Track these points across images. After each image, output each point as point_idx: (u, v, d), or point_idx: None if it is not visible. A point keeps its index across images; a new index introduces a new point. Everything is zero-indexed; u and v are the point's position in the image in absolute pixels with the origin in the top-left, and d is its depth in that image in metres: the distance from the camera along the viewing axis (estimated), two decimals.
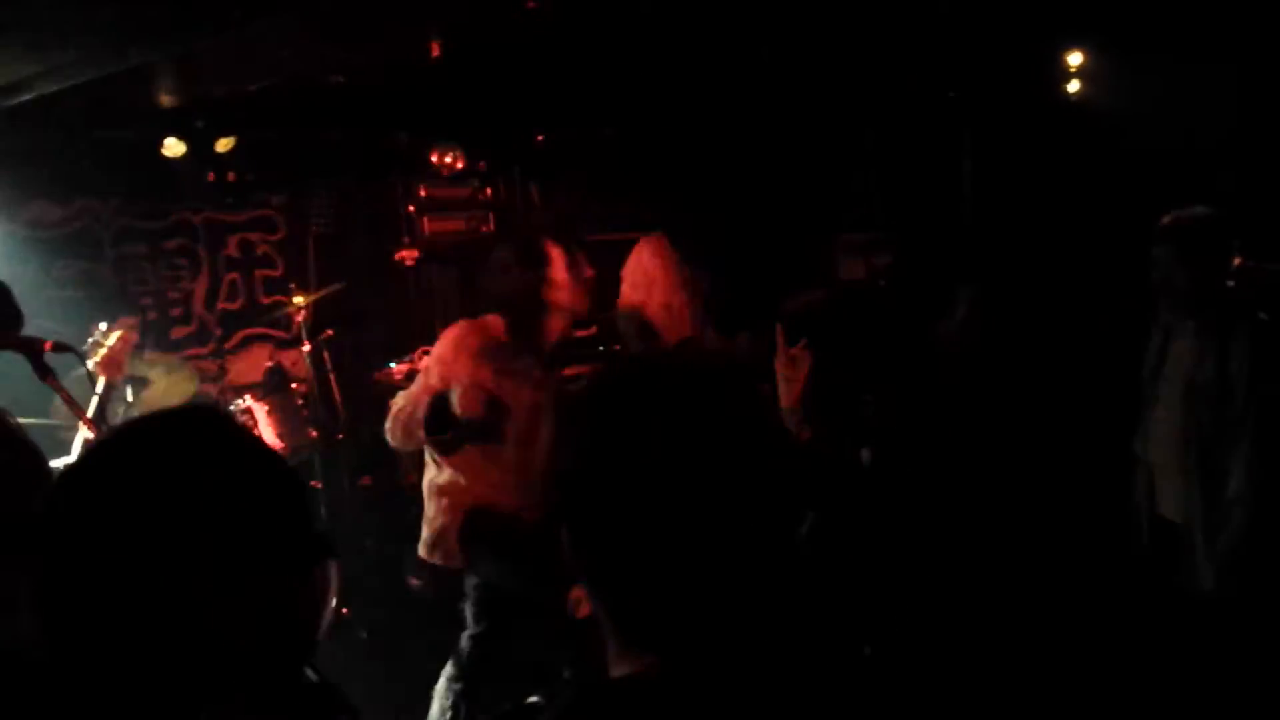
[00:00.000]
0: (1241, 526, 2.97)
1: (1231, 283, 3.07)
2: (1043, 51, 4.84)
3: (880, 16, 4.38)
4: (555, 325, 3.53)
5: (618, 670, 1.18)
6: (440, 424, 3.38)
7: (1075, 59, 4.91)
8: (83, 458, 1.09)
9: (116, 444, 1.12)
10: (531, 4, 3.43)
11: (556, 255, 3.48)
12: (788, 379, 1.99)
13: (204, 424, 1.15)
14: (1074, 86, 4.99)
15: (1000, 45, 4.73)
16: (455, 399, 3.40)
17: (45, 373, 2.62)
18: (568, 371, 4.53)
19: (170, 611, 0.99)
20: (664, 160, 6.42)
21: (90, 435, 3.08)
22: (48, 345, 2.64)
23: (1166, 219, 3.12)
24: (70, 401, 2.73)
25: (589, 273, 3.66)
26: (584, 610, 3.14)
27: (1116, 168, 4.84)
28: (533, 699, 3.53)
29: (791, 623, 1.38)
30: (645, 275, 5.26)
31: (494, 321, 3.52)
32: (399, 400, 3.56)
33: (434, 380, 3.46)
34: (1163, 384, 3.24)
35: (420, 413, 3.38)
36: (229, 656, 1.00)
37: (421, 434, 3.41)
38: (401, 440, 3.53)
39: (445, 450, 3.52)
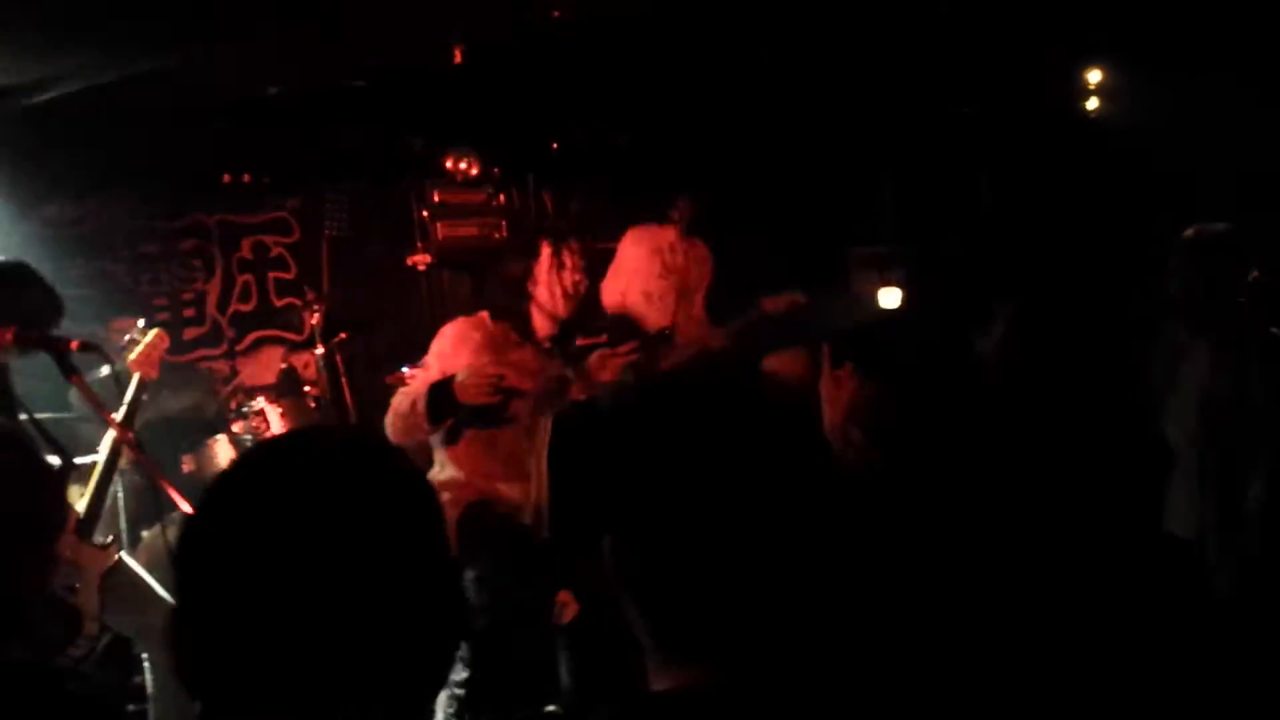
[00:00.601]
0: (1260, 538, 2.99)
1: (1245, 298, 3.10)
2: (1061, 68, 4.85)
3: (899, 30, 4.40)
4: (538, 323, 3.57)
5: (659, 684, 1.18)
6: (441, 413, 3.39)
7: (1094, 76, 4.91)
8: (230, 476, 1.05)
9: (270, 462, 1.08)
10: (556, 12, 3.44)
11: (543, 254, 3.54)
12: (831, 400, 1.97)
13: (356, 445, 1.11)
14: (1093, 103, 5.00)
15: (1019, 61, 4.74)
16: (456, 387, 3.40)
17: (70, 371, 2.63)
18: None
19: (329, 631, 0.96)
20: (678, 168, 6.42)
21: (114, 434, 3.10)
22: (74, 344, 2.65)
23: (1187, 233, 3.15)
24: (94, 401, 2.74)
25: (576, 277, 3.64)
26: (569, 614, 3.13)
27: (1134, 184, 4.85)
28: (550, 708, 3.53)
29: (835, 634, 1.38)
30: (626, 264, 5.30)
31: (483, 317, 3.62)
32: (399, 397, 3.58)
33: (434, 376, 3.48)
34: (1174, 397, 3.26)
35: (421, 404, 3.39)
36: (377, 677, 0.98)
37: (425, 425, 3.41)
38: (402, 435, 3.52)
39: (447, 440, 3.52)
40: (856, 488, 1.78)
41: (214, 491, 1.04)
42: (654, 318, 5.15)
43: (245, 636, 0.95)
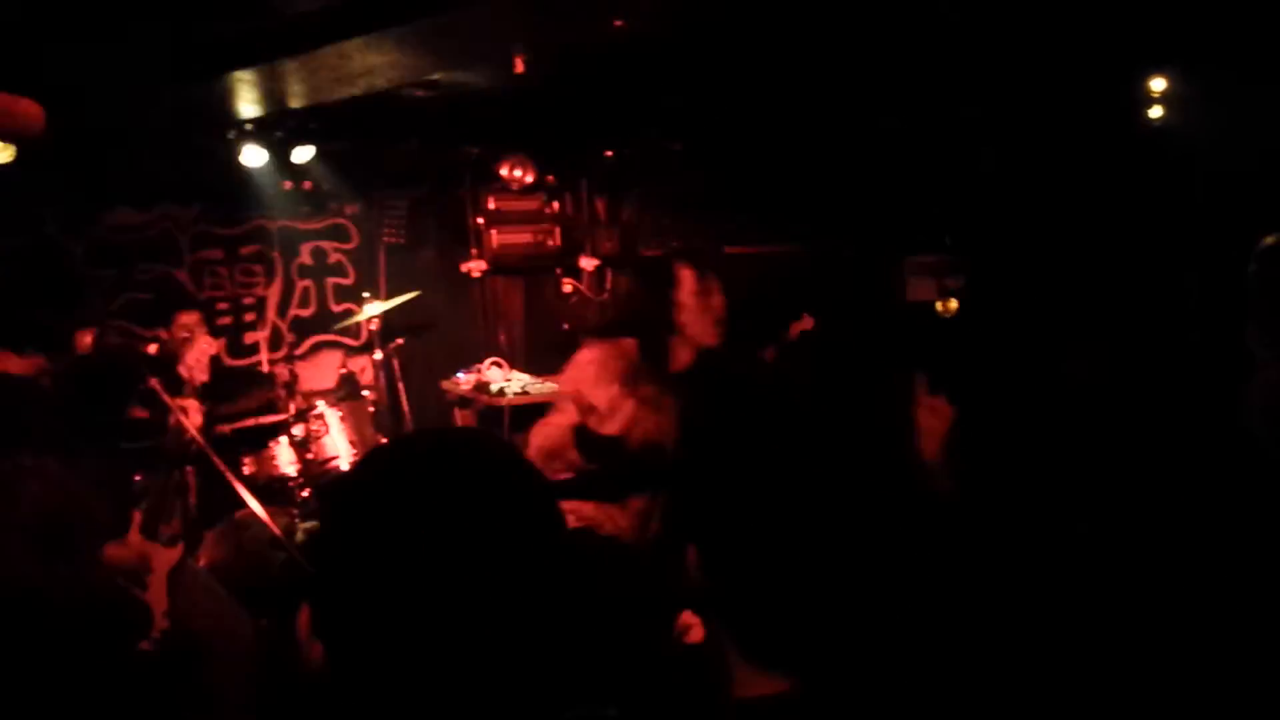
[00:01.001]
0: None
1: None
2: (1125, 76, 4.79)
3: (958, 37, 4.37)
4: (680, 353, 3.26)
5: (747, 691, 1.19)
6: (590, 455, 3.23)
7: (1158, 84, 4.85)
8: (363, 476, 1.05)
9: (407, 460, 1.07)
10: (619, 22, 3.46)
11: (686, 277, 3.24)
12: (928, 430, 1.91)
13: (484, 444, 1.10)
14: (1156, 111, 4.93)
15: (1081, 69, 4.69)
16: (601, 425, 3.23)
17: (149, 374, 2.69)
18: None
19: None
20: (731, 176, 6.44)
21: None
22: (152, 349, 2.72)
23: (1269, 240, 3.08)
24: (170, 403, 2.80)
25: (718, 300, 3.32)
26: (695, 636, 3.07)
27: (1200, 192, 4.77)
28: (611, 713, 3.53)
29: (919, 648, 1.38)
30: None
31: (629, 344, 3.31)
32: (544, 433, 3.37)
33: (575, 407, 3.29)
34: (1256, 406, 3.19)
35: (571, 452, 3.23)
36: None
37: (571, 464, 3.25)
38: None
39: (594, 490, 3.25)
40: (944, 511, 1.77)
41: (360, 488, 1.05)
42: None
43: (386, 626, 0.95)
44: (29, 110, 1.93)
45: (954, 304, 5.84)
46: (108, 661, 1.69)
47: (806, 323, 4.43)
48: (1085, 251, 5.08)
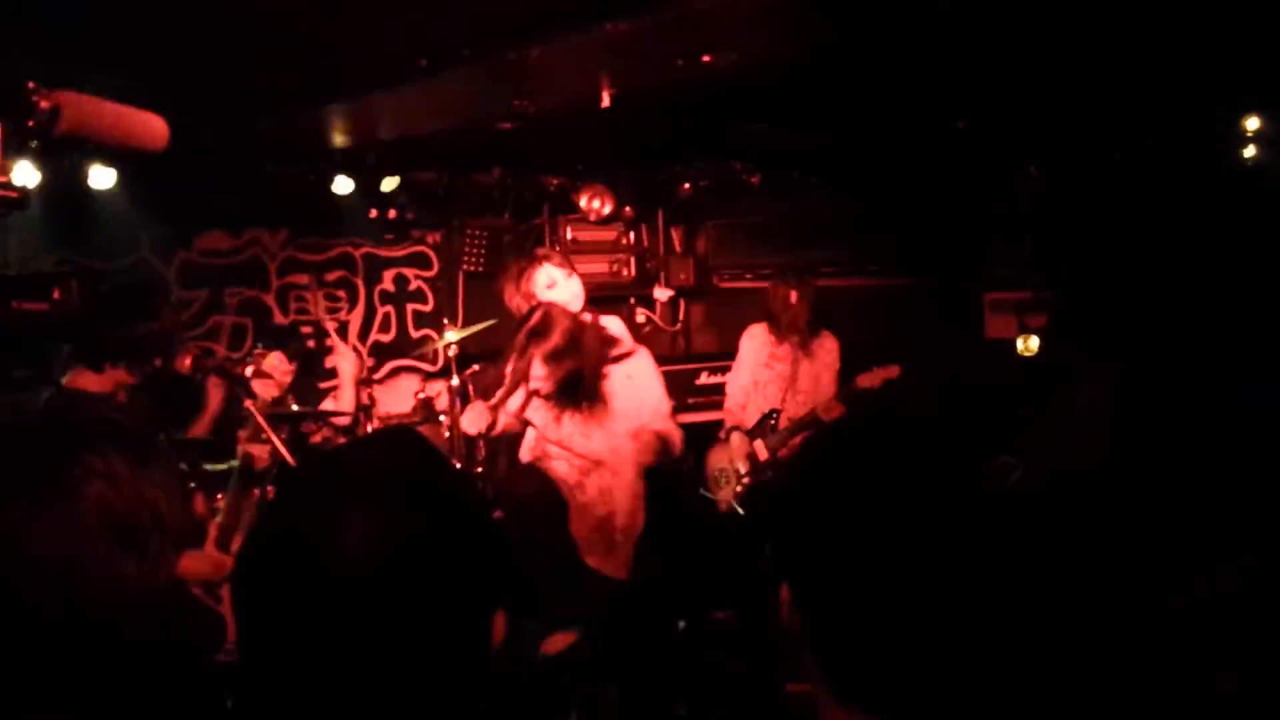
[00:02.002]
0: None
1: None
2: (1218, 115, 4.70)
3: (1047, 72, 4.33)
4: None
5: None
6: None
7: (1252, 124, 4.74)
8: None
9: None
10: (708, 58, 3.49)
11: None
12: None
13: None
14: (1250, 151, 4.82)
15: (1173, 107, 4.61)
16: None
17: (245, 395, 2.77)
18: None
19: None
20: (808, 209, 6.42)
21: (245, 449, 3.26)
22: (248, 371, 2.80)
23: None
24: (264, 425, 2.88)
25: None
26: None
27: None
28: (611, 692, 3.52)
29: (1013, 687, 1.36)
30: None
31: None
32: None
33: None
34: None
35: None
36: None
37: None
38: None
39: None
40: (1037, 544, 1.74)
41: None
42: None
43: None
44: (154, 125, 2.01)
45: (1035, 342, 5.75)
46: (176, 666, 1.72)
47: (891, 371, 4.39)
48: (1177, 289, 4.97)
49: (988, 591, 1.28)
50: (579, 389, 3.65)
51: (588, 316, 3.83)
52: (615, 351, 3.74)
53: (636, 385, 3.79)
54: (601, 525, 3.64)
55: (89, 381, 3.13)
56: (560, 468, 3.76)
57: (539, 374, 3.62)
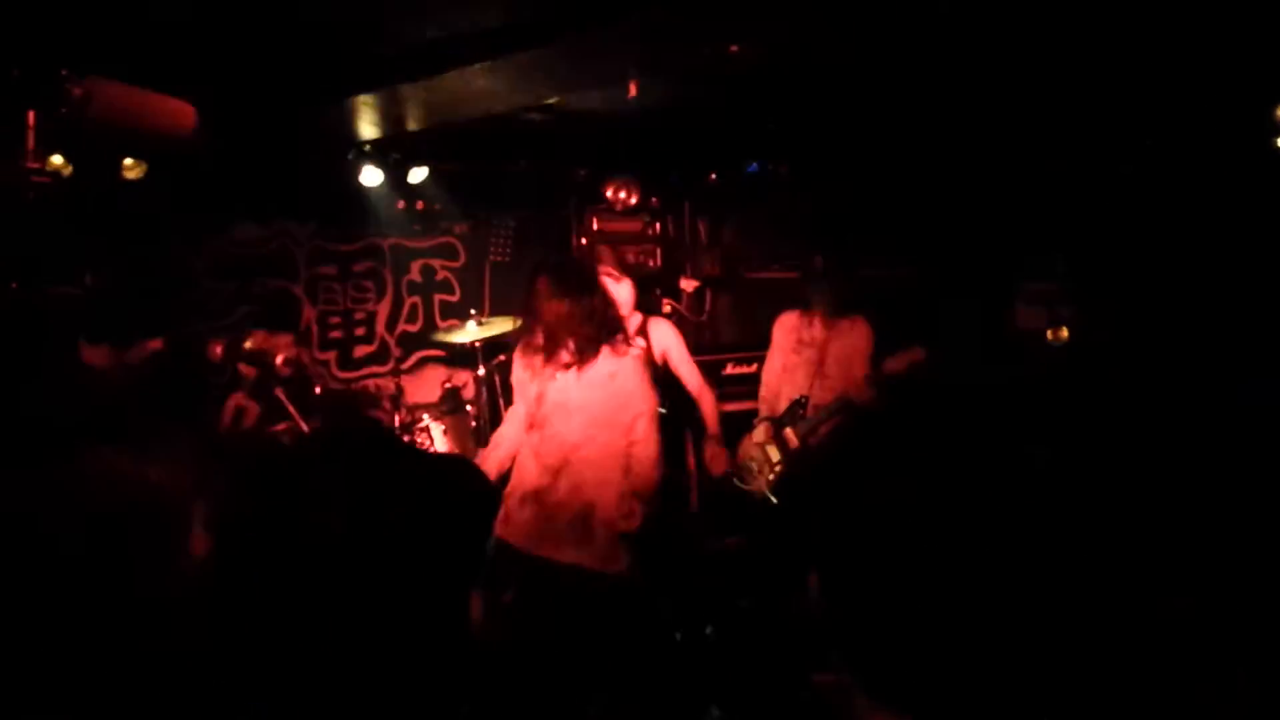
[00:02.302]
0: None
1: None
2: (1250, 103, 4.63)
3: (1077, 60, 4.28)
4: None
5: None
6: None
7: None
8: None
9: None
10: (734, 48, 3.48)
11: None
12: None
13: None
14: None
15: (1204, 95, 4.55)
16: None
17: (277, 384, 2.79)
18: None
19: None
20: (835, 199, 6.39)
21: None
22: (280, 360, 2.82)
23: None
24: (294, 413, 2.90)
25: None
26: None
27: None
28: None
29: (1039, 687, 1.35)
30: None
31: None
32: None
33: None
34: None
35: None
36: None
37: None
38: None
39: None
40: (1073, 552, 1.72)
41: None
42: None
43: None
44: (181, 110, 2.02)
45: (1065, 332, 5.70)
46: (194, 656, 1.73)
47: (916, 354, 4.36)
48: (1206, 280, 4.91)
49: (1016, 586, 1.28)
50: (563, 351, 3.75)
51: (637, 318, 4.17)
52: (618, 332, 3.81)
53: (626, 382, 3.75)
54: (578, 520, 3.58)
55: (100, 358, 3.12)
56: (529, 471, 3.74)
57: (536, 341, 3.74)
